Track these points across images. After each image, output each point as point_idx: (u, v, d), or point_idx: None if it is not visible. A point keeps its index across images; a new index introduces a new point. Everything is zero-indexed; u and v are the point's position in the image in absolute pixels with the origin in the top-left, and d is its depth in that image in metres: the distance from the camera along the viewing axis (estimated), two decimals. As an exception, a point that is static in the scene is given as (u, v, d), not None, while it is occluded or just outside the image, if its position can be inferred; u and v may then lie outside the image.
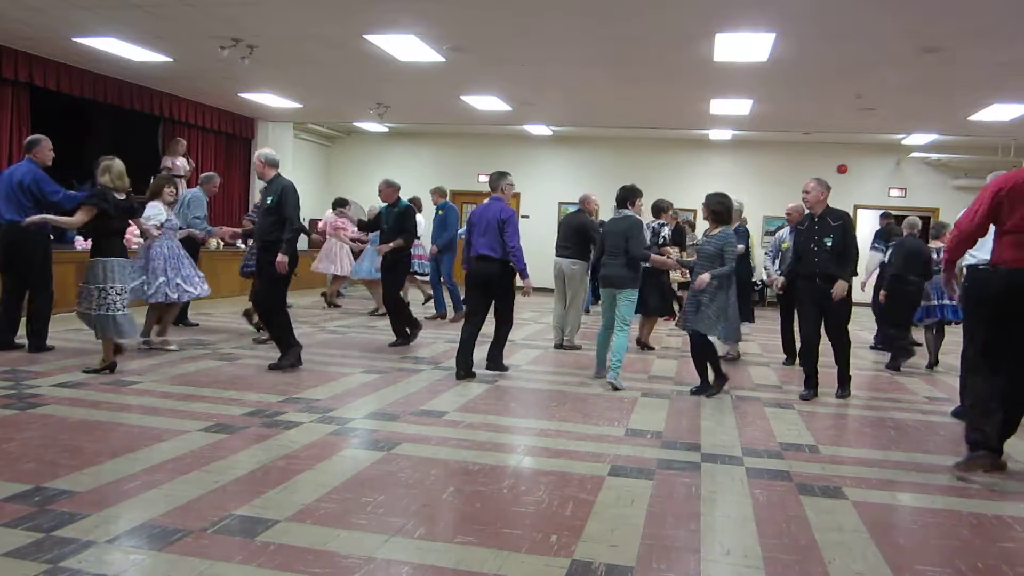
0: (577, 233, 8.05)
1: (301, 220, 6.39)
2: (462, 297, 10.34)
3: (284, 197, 6.21)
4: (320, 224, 11.55)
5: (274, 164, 6.42)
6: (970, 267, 4.89)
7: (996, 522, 3.48)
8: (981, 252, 4.53)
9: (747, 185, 15.08)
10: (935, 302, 7.55)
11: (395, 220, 7.80)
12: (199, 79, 10.73)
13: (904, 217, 8.73)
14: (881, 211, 11.81)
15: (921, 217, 15.57)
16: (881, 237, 9.70)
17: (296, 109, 12.97)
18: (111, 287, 5.75)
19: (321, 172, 16.97)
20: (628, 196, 6.51)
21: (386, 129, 15.77)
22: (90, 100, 10.53)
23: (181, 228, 7.41)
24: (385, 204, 8.00)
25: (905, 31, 7.02)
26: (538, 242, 16.09)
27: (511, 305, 6.52)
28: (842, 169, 15.43)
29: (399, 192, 7.98)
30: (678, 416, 5.28)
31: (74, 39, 8.62)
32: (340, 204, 11.56)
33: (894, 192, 15.35)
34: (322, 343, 7.85)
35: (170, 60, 9.48)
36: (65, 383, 5.40)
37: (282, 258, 6.12)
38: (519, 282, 6.49)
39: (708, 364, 5.99)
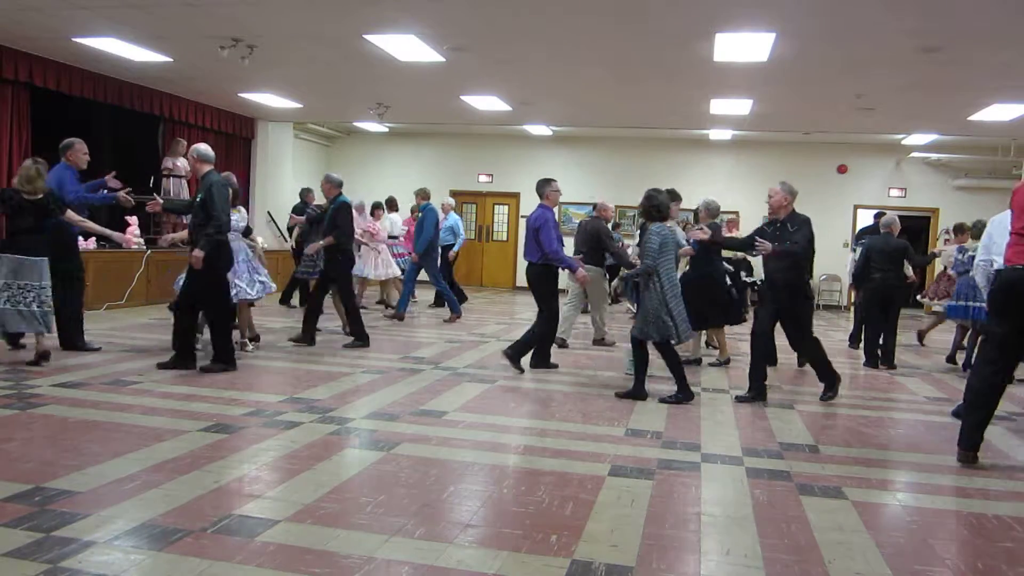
0: (592, 238, 8.09)
1: (227, 216, 6.12)
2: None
3: (210, 193, 5.98)
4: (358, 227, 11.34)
5: (207, 160, 6.24)
6: (995, 269, 4.97)
7: (996, 522, 3.48)
8: (999, 257, 4.67)
9: (747, 185, 15.10)
10: (960, 302, 7.63)
11: (328, 218, 7.73)
12: (199, 79, 10.73)
13: (905, 217, 8.78)
14: (876, 212, 11.79)
15: (921, 217, 15.63)
16: (856, 238, 9.80)
17: (296, 109, 12.96)
18: (38, 284, 5.84)
19: (321, 172, 16.74)
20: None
21: (386, 129, 15.77)
22: (90, 100, 10.53)
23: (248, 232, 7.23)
24: (328, 200, 7.92)
25: (905, 31, 7.02)
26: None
27: (547, 307, 6.73)
28: (842, 169, 15.44)
29: (340, 188, 7.84)
30: (678, 416, 5.28)
31: (74, 39, 8.61)
32: (376, 207, 11.47)
33: (894, 192, 15.35)
34: (322, 343, 7.84)
35: (170, 60, 9.47)
36: (65, 383, 5.40)
37: (198, 253, 5.87)
38: (566, 277, 6.65)
39: (671, 369, 5.78)
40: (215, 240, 5.97)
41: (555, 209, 6.97)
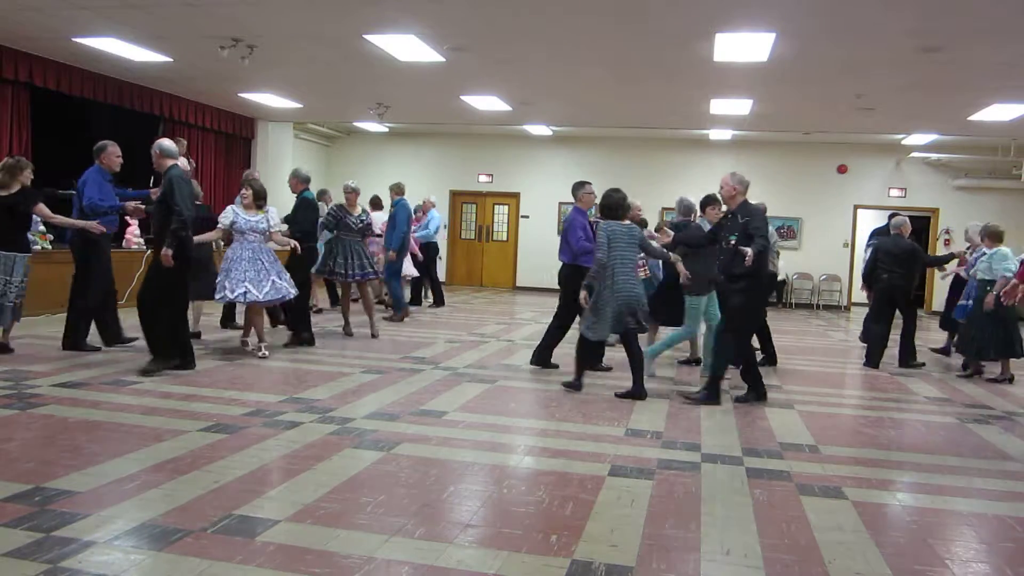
0: None
1: (190, 210, 5.98)
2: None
3: (171, 187, 5.81)
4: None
5: (170, 155, 6.11)
6: None
7: (996, 522, 3.48)
8: None
9: (747, 185, 15.08)
10: (963, 302, 7.67)
11: (292, 212, 7.77)
12: (199, 79, 10.73)
13: (914, 218, 8.77)
14: (890, 212, 11.77)
15: (921, 217, 15.62)
16: (867, 238, 9.82)
17: (296, 109, 12.97)
18: (6, 278, 5.99)
19: (321, 172, 16.94)
20: (702, 204, 7.28)
21: (386, 129, 15.78)
22: (90, 100, 10.53)
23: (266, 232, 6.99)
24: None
25: (905, 31, 7.02)
26: (539, 241, 16.15)
27: (569, 308, 6.78)
28: (842, 169, 15.43)
29: (307, 184, 7.79)
30: (678, 416, 5.28)
31: (74, 39, 8.62)
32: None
33: (894, 192, 15.35)
34: (322, 343, 7.84)
35: (170, 60, 9.47)
36: (65, 383, 5.40)
37: (166, 251, 5.72)
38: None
39: (577, 357, 5.95)
40: (180, 236, 5.83)
41: (588, 211, 7.01)
